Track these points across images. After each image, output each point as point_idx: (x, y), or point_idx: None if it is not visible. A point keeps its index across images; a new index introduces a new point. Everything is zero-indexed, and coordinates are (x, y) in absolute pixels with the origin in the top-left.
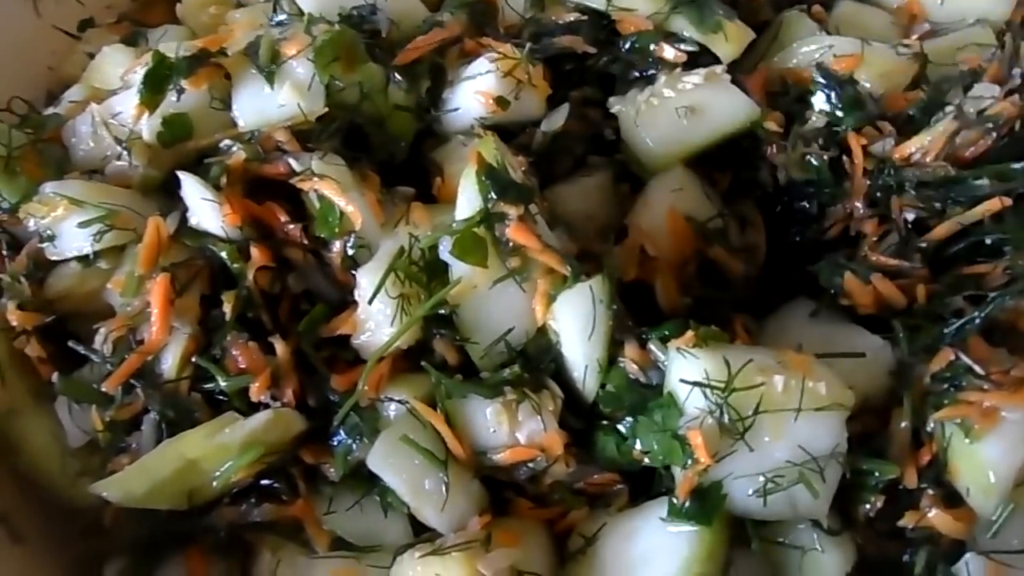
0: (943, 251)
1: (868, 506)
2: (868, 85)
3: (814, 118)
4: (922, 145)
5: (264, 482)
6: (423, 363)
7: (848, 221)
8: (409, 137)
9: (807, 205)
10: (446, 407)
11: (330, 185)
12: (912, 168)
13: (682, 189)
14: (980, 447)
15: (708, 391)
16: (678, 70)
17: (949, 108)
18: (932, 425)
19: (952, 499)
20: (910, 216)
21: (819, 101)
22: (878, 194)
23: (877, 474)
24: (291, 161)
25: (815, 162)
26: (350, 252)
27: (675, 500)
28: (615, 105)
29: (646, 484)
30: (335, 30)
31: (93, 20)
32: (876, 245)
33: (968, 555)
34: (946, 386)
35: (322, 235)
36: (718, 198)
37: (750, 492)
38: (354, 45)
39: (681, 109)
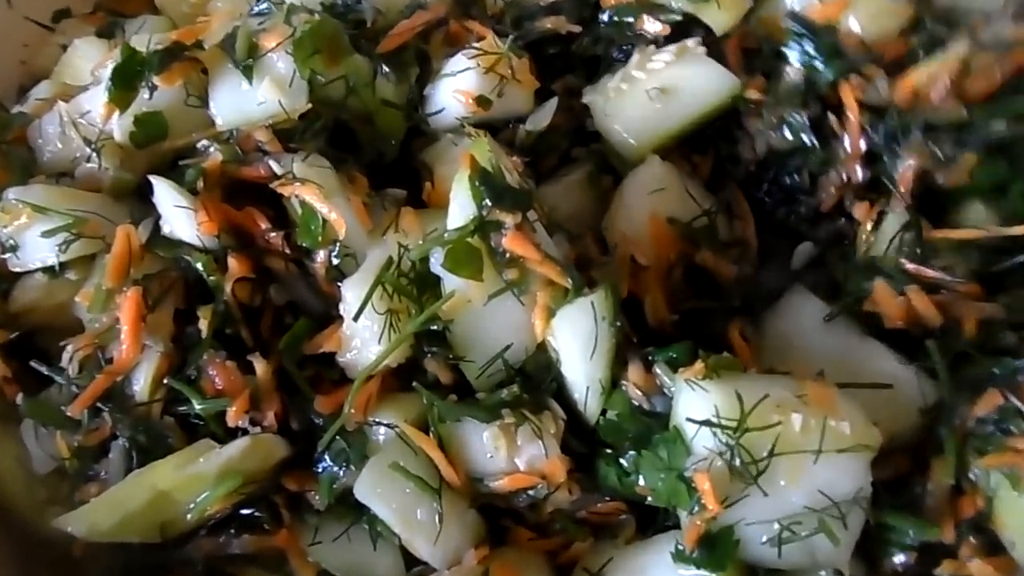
0: (992, 262)
1: (898, 560)
2: (859, 30)
3: (790, 73)
4: (929, 75)
5: (244, 511)
6: (414, 383)
7: (844, 190)
8: (399, 135)
9: (796, 178)
10: (439, 431)
11: (312, 190)
12: (917, 110)
13: (662, 189)
14: None
15: (719, 430)
16: (651, 47)
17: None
18: (976, 472)
19: (994, 548)
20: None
21: (794, 53)
22: (879, 154)
23: (912, 532)
24: (272, 163)
25: (795, 123)
26: (335, 262)
27: (681, 547)
28: (587, 95)
29: (654, 514)
30: (316, 20)
31: (69, 10)
32: (874, 230)
33: None
34: (992, 429)
35: (304, 244)
36: (701, 188)
37: (764, 540)
38: (337, 36)
39: (652, 91)
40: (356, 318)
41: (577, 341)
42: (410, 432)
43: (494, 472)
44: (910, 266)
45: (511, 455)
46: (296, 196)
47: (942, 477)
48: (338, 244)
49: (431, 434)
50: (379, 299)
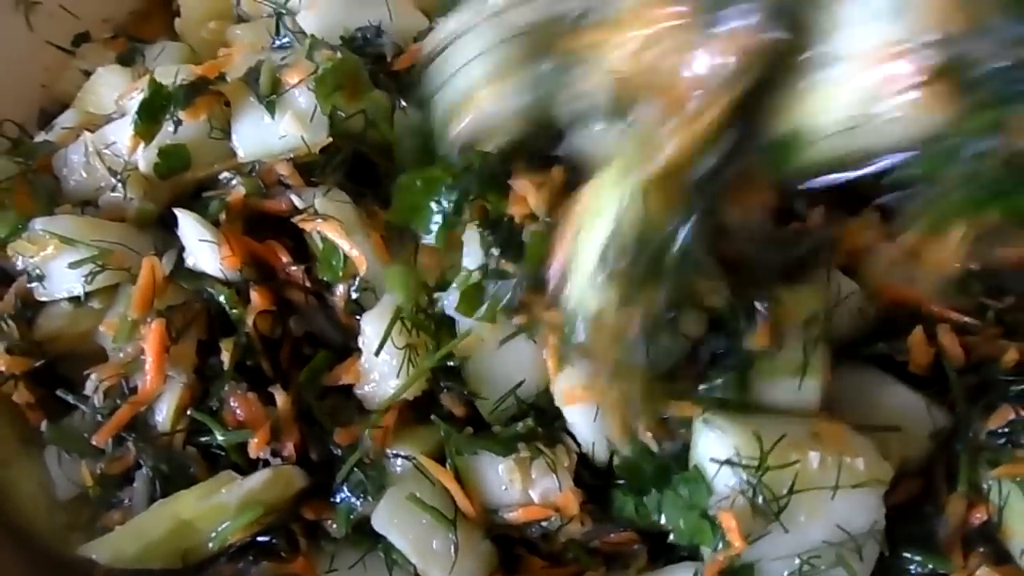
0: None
1: None
2: None
3: None
4: None
5: (263, 539)
6: (432, 417)
7: None
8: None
9: None
10: (456, 463)
11: (334, 226)
12: None
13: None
14: None
15: (740, 469)
16: None
17: None
18: (988, 484)
19: (1002, 558)
20: None
21: None
22: None
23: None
24: (293, 198)
25: None
26: (354, 296)
27: None
28: None
29: (666, 544)
30: (337, 58)
31: (88, 35)
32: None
33: None
34: (1003, 441)
35: (325, 278)
36: None
37: (784, 575)
38: (357, 72)
39: None
40: (377, 353)
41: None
42: (427, 464)
43: (509, 504)
44: (938, 310)
45: (525, 487)
46: (318, 232)
47: (955, 508)
48: (358, 278)
49: (447, 466)
50: (398, 334)
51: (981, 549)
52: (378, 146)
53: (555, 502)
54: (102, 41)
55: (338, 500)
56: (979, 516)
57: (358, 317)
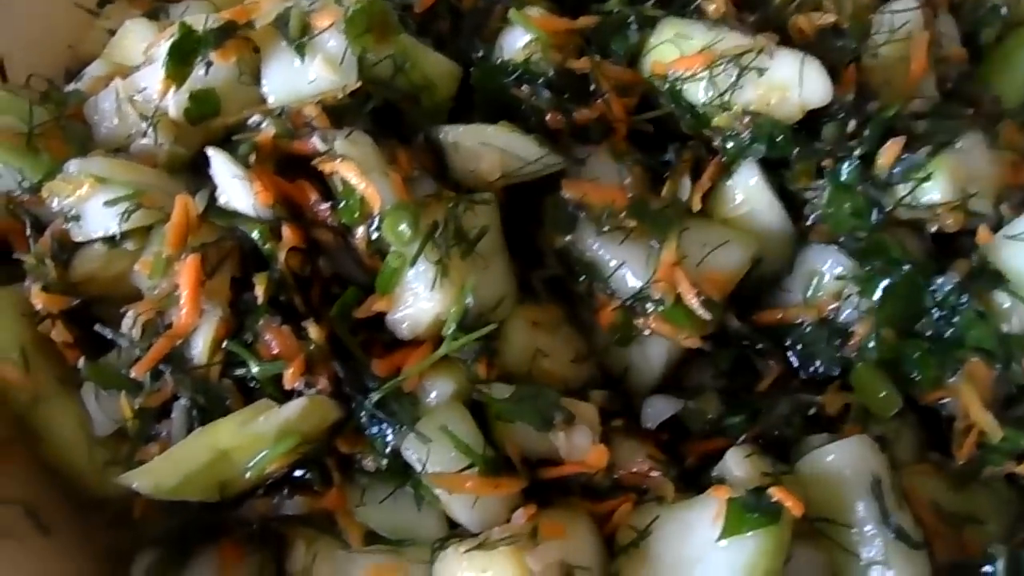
0: None
1: None
2: None
3: None
4: None
5: (297, 473)
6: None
7: None
8: (444, 113)
9: None
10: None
11: (350, 166)
12: None
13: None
14: None
15: None
16: None
17: None
18: None
19: None
20: None
21: None
22: None
23: None
24: (316, 139)
25: None
26: (373, 236)
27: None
28: None
29: (696, 475)
30: (366, 0)
31: None
32: None
33: None
34: None
35: (343, 220)
36: None
37: None
38: (386, 15)
39: None
40: (412, 264)
41: None
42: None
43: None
44: None
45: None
46: (336, 172)
47: None
48: (376, 218)
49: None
50: (430, 250)
51: None
52: (407, 93)
53: (586, 457)
54: (126, 1)
55: (372, 432)
56: None
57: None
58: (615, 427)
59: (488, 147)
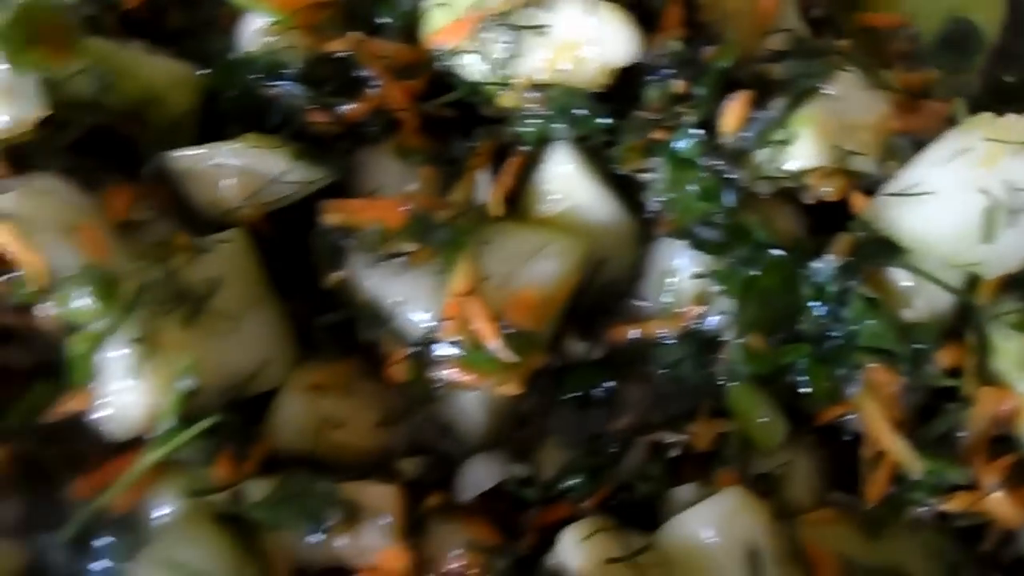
0: None
1: None
2: None
3: None
4: None
5: None
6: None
7: None
8: (187, 133)
9: None
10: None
11: (7, 230)
12: None
13: None
14: None
15: None
16: None
17: None
18: None
19: None
20: None
21: None
22: None
23: None
24: None
25: None
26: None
27: None
28: None
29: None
30: (21, 3)
31: None
32: None
33: None
34: None
35: (15, 299)
36: None
37: None
38: (56, 19)
39: None
40: (96, 348)
41: None
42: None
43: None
44: None
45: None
46: None
47: None
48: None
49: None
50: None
51: None
52: (123, 112)
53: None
54: None
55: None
56: None
57: None
58: (430, 507)
59: (225, 168)
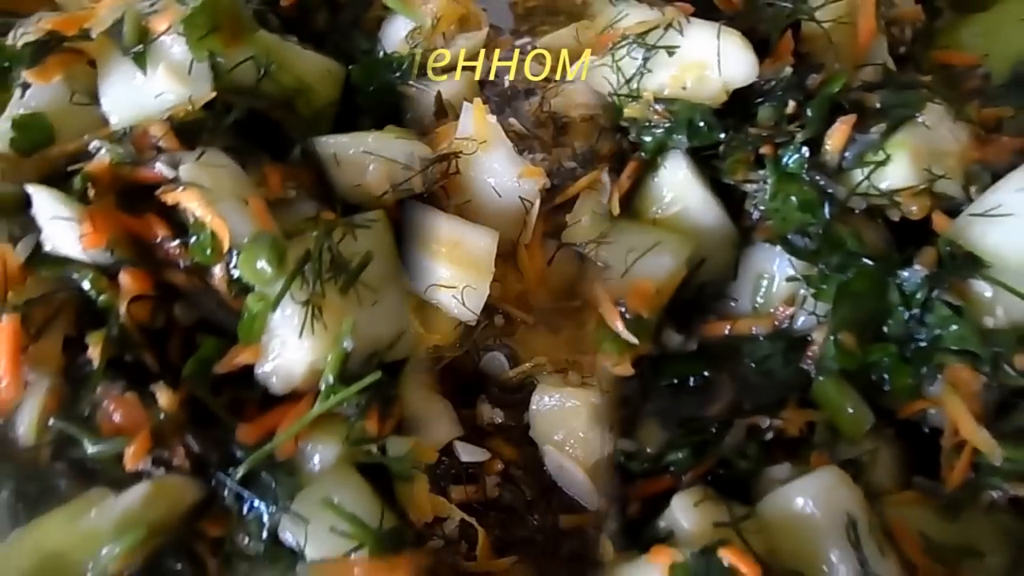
0: None
1: None
2: None
3: None
4: None
5: (162, 565)
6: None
7: None
8: (327, 122)
9: None
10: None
11: (193, 195)
12: None
13: None
14: None
15: None
16: None
17: None
18: None
19: None
20: None
21: None
22: None
23: None
24: (160, 165)
25: None
26: (234, 275)
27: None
28: None
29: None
30: None
31: None
32: None
33: None
34: None
35: (196, 260)
36: None
37: None
38: (235, 10)
39: None
40: (274, 307)
41: None
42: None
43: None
44: None
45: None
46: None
47: None
48: (233, 255)
49: None
50: (298, 289)
51: None
52: (278, 100)
53: None
54: None
55: (247, 510)
56: None
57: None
58: None
59: (372, 157)
